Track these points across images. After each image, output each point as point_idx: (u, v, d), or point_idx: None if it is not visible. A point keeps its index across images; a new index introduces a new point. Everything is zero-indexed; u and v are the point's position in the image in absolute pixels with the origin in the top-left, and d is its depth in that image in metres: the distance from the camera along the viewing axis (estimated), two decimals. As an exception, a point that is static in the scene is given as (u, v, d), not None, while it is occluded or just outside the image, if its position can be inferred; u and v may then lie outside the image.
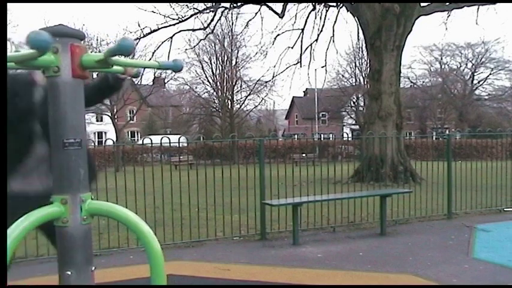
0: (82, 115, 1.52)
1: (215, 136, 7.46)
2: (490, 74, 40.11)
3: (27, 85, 2.22)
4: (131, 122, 34.45)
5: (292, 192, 6.03)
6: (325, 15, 17.30)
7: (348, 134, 32.30)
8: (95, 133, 41.11)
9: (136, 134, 44.90)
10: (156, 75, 30.19)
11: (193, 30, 18.27)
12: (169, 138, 5.70)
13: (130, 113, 35.03)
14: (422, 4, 13.56)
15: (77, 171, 1.50)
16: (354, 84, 35.72)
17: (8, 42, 1.19)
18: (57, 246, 1.62)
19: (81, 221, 1.49)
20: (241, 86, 31.41)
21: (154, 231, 5.34)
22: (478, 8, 15.25)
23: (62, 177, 1.50)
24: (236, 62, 30.87)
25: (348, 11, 14.94)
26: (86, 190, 1.52)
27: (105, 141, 8.54)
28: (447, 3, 14.45)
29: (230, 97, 31.01)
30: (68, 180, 1.49)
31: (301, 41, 18.01)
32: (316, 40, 17.91)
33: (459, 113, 39.21)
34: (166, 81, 32.07)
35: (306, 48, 18.17)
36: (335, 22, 19.53)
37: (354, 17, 14.57)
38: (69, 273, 1.50)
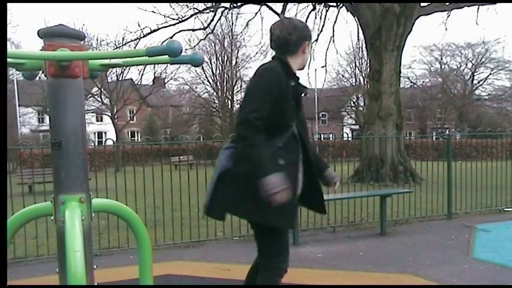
0: (64, 116, 1.45)
1: (215, 136, 7.43)
2: (490, 74, 40.17)
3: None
4: (131, 122, 34.47)
5: (292, 192, 6.01)
6: (325, 15, 17.34)
7: (348, 134, 32.39)
8: (95, 133, 41.17)
9: (136, 134, 44.91)
10: (156, 75, 30.23)
11: (193, 30, 18.31)
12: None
13: (130, 113, 35.07)
14: (422, 4, 13.55)
15: (57, 172, 1.46)
16: (354, 84, 35.74)
17: (8, 42, 1.18)
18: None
19: (59, 222, 1.47)
20: (241, 86, 31.45)
21: (154, 231, 5.30)
22: (478, 8, 15.25)
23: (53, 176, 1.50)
24: (236, 62, 30.94)
25: (348, 11, 14.93)
26: (69, 192, 1.46)
27: (105, 141, 8.54)
28: (447, 3, 14.45)
29: (230, 97, 31.06)
30: (54, 180, 1.48)
31: (301, 41, 17.98)
32: (316, 40, 17.88)
33: (459, 113, 39.23)
34: (166, 81, 32.14)
35: (306, 48, 18.15)
36: (335, 22, 19.61)
37: (354, 17, 14.57)
38: (57, 270, 1.51)
